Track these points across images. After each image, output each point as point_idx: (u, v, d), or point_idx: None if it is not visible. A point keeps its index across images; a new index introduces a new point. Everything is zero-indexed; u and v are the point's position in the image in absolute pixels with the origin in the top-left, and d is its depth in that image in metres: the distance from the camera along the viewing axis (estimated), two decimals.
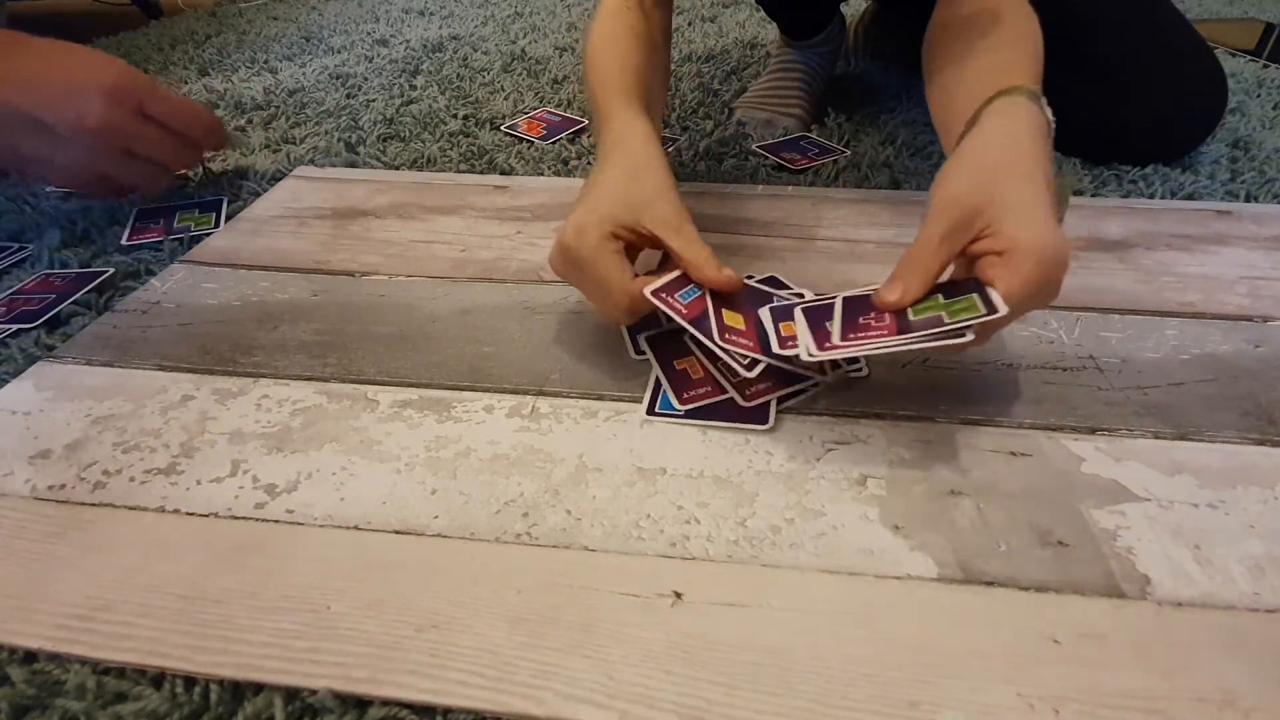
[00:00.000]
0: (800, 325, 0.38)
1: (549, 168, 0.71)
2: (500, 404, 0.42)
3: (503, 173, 0.70)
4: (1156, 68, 0.65)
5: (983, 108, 0.41)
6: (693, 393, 0.41)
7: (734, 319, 0.40)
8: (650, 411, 0.40)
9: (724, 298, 0.41)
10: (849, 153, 0.71)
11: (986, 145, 0.39)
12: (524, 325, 0.49)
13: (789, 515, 0.35)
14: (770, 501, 0.36)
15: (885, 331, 0.36)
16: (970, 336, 0.34)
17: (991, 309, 0.34)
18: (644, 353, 0.45)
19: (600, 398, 0.43)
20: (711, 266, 0.40)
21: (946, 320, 0.35)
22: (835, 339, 0.36)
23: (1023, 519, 0.35)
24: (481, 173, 0.70)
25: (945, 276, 0.38)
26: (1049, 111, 0.42)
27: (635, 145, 0.44)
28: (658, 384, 0.42)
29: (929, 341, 0.35)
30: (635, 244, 0.42)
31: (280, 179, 0.70)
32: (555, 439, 0.40)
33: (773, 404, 0.41)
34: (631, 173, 0.42)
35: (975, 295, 0.35)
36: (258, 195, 0.67)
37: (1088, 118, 0.67)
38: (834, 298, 0.39)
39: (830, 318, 0.38)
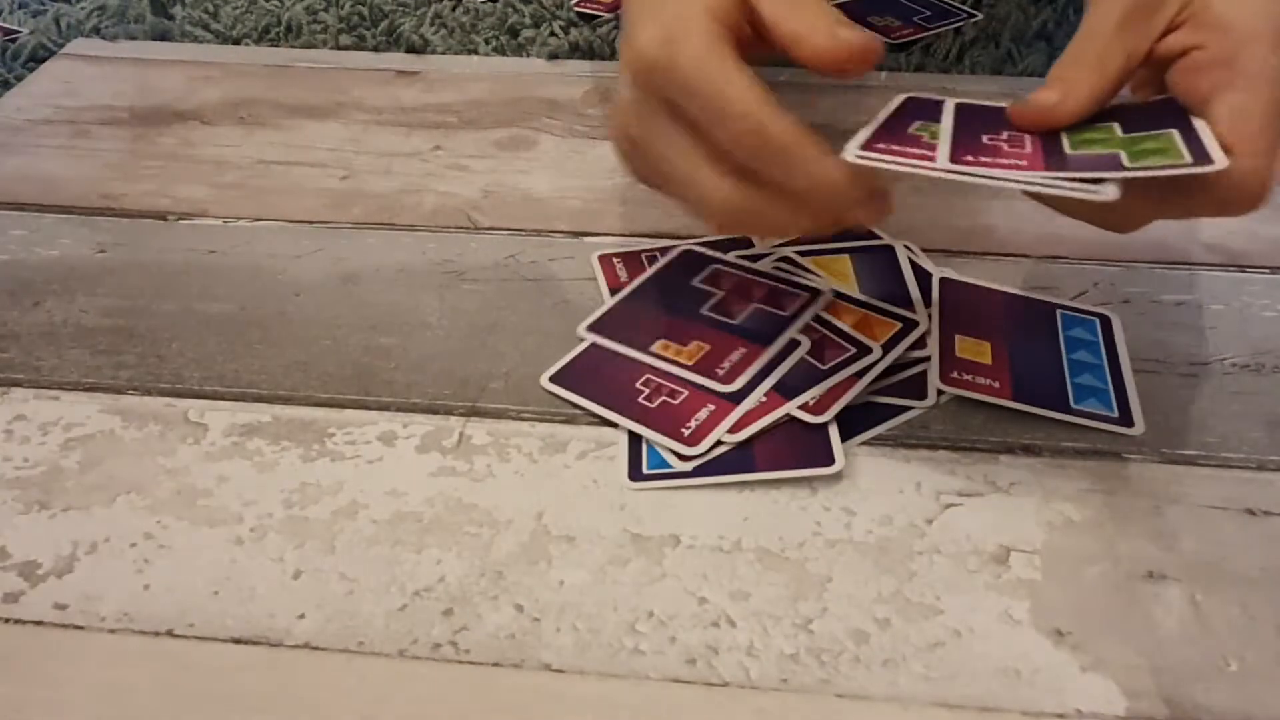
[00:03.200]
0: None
1: (487, 41, 0.70)
2: (408, 430, 0.42)
3: (411, 49, 0.70)
4: None
5: None
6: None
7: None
8: (635, 475, 0.40)
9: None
10: (980, 16, 0.71)
11: None
12: (447, 301, 0.49)
13: (882, 614, 0.35)
14: (851, 591, 0.36)
15: (1016, 161, 0.34)
16: (1111, 194, 0.32)
17: (1200, 157, 0.32)
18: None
19: (571, 420, 0.43)
20: (822, 31, 0.36)
21: (1126, 163, 0.33)
22: (938, 158, 0.35)
23: (1267, 619, 0.35)
24: (376, 49, 0.70)
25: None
26: None
27: None
28: (636, 434, 0.42)
29: (1067, 186, 0.33)
30: (746, 37, 0.39)
31: (44, 60, 0.69)
32: (498, 487, 0.40)
33: (833, 428, 0.41)
34: None
35: (1174, 131, 0.34)
36: (8, 86, 0.66)
37: None
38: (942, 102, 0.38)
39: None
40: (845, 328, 0.45)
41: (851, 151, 0.35)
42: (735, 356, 0.43)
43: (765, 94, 0.36)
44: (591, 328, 0.46)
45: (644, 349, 0.44)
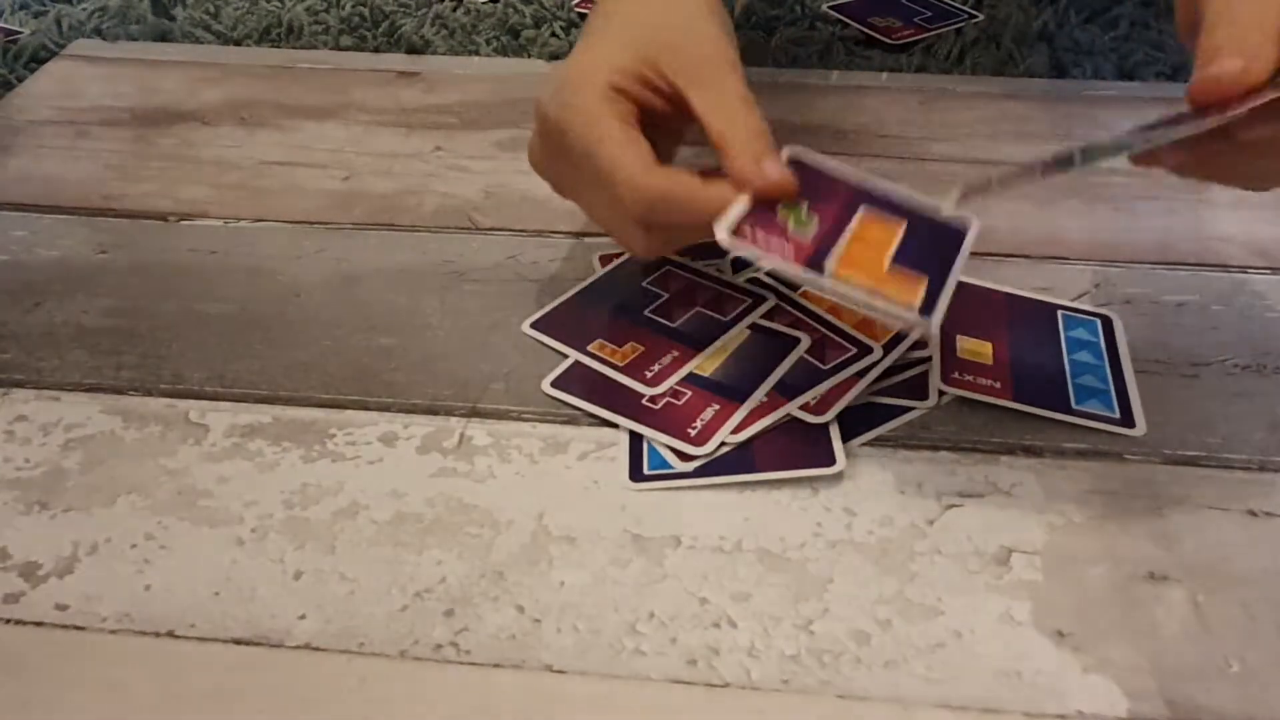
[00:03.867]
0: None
1: (488, 42, 0.70)
2: (408, 431, 0.42)
3: (412, 50, 0.70)
4: None
5: None
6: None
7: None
8: (636, 476, 0.40)
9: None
10: (981, 17, 0.71)
11: None
12: (448, 302, 0.49)
13: (884, 615, 0.35)
14: (853, 592, 0.36)
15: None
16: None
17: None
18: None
19: (573, 421, 0.43)
20: (749, 154, 0.39)
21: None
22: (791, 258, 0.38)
23: (1268, 619, 0.35)
24: (377, 50, 0.70)
25: None
26: None
27: None
28: (636, 435, 0.42)
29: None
30: (656, 109, 0.41)
31: (46, 60, 0.69)
32: (499, 489, 0.40)
33: (834, 428, 0.41)
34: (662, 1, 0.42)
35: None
36: (9, 87, 0.66)
37: None
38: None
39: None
40: (846, 328, 0.45)
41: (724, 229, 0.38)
42: (666, 359, 0.44)
43: (640, 156, 0.39)
44: (535, 325, 0.46)
45: (580, 348, 0.45)
